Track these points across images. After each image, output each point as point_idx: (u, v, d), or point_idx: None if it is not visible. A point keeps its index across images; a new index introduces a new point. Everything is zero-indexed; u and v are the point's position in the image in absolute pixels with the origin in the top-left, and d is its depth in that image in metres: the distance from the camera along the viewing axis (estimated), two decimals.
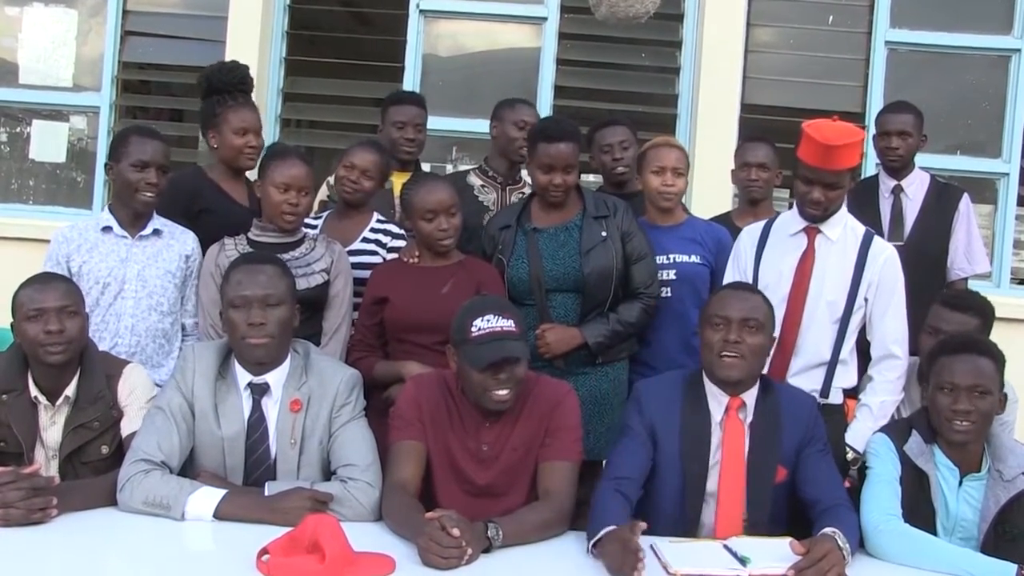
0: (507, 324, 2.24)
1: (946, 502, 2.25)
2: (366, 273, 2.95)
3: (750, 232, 2.87)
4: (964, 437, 2.23)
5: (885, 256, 2.69)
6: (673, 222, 3.15)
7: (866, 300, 2.68)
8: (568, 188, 2.95)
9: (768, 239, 2.79)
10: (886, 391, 2.67)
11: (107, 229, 2.84)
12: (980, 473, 2.26)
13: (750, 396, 2.34)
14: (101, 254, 2.82)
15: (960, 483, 2.25)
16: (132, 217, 2.86)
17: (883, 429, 2.41)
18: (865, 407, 2.66)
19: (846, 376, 2.71)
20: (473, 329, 2.23)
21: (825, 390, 2.66)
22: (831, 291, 2.67)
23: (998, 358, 2.29)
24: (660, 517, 2.28)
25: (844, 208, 2.75)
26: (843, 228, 2.72)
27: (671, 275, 3.06)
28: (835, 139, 2.55)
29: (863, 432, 2.57)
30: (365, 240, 3.09)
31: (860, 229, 2.74)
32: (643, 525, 1.99)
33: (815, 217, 2.69)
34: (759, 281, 2.70)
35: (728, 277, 2.85)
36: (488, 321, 2.23)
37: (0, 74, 5.02)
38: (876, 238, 2.73)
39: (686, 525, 2.30)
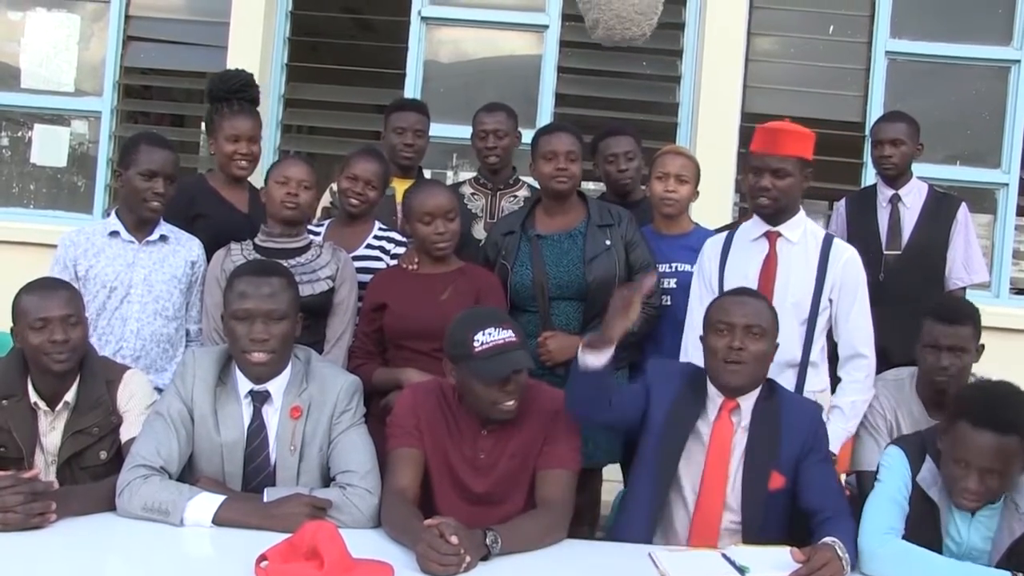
0: (508, 335, 2.24)
1: (958, 530, 2.18)
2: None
3: (714, 242, 2.89)
4: (972, 507, 2.15)
5: (846, 257, 2.72)
6: (679, 231, 3.18)
7: (831, 301, 2.70)
8: (573, 178, 2.96)
9: (731, 247, 2.82)
10: (856, 391, 2.69)
11: (114, 234, 2.85)
12: (995, 504, 2.17)
13: (747, 400, 2.34)
14: (108, 258, 2.82)
15: (973, 513, 2.17)
16: (139, 222, 2.87)
17: (900, 444, 2.31)
18: (837, 408, 2.68)
19: (817, 379, 2.72)
20: (476, 344, 2.21)
21: (798, 393, 2.65)
22: (795, 292, 2.69)
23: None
24: (636, 498, 2.34)
25: (803, 212, 2.78)
26: (803, 231, 2.75)
27: (672, 283, 3.07)
28: (780, 125, 2.69)
29: (837, 433, 2.61)
30: (369, 247, 3.09)
31: (820, 232, 2.78)
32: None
33: (766, 209, 2.70)
34: (724, 289, 2.71)
35: (694, 289, 2.86)
36: (490, 335, 2.22)
37: (2, 78, 5.03)
38: (836, 240, 2.77)
39: (658, 507, 2.31)
